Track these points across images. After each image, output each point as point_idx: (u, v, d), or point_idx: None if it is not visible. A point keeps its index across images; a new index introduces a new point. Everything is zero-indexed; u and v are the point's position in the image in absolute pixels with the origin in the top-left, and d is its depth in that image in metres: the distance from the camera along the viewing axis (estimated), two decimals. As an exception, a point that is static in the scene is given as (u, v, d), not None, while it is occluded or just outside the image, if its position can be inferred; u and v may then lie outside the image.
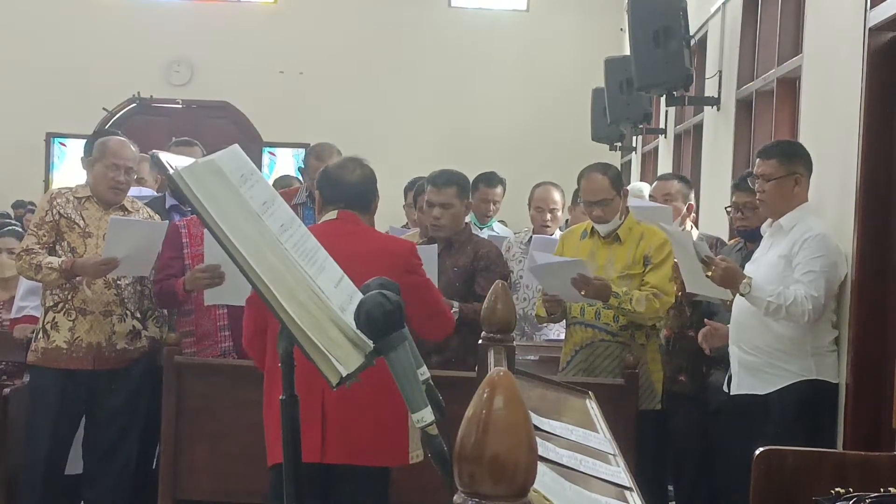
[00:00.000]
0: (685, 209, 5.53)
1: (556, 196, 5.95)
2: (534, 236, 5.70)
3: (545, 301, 4.69)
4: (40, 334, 4.76)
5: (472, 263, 4.74)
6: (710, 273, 4.08)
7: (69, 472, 4.94)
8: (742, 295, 4.08)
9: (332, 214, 3.59)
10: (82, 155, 5.23)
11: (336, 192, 3.63)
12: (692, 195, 5.72)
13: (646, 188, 6.89)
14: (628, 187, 5.01)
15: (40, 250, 4.69)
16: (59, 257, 4.69)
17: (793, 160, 4.22)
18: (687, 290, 4.57)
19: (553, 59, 12.89)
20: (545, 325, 5.50)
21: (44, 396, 4.75)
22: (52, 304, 4.76)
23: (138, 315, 4.85)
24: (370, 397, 3.20)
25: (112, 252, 4.56)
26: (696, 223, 5.93)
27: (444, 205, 4.70)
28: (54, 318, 4.74)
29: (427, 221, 4.80)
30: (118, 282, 4.77)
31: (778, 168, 4.18)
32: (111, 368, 4.77)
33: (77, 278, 4.68)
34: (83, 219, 4.78)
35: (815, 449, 3.40)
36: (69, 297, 4.73)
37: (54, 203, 4.77)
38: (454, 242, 4.76)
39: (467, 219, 4.97)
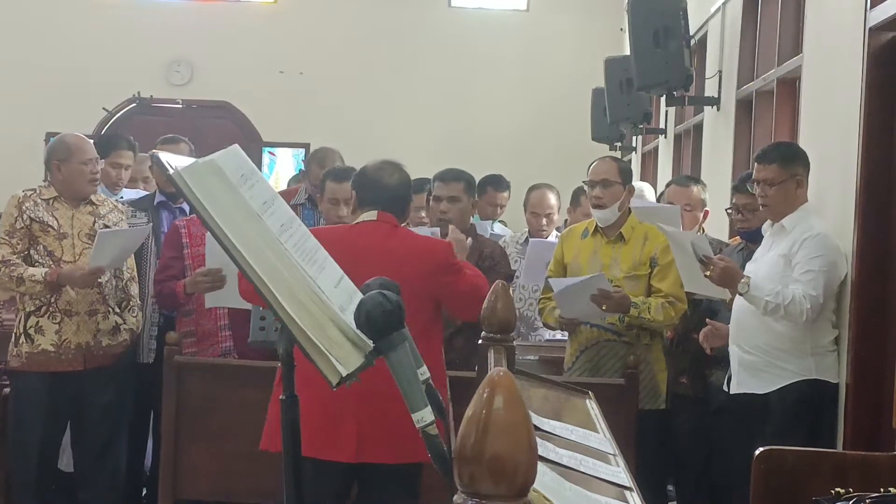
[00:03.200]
0: (702, 216, 5.35)
1: (552, 199, 5.93)
2: (531, 239, 5.68)
3: (563, 325, 4.67)
4: (22, 339, 4.66)
5: (476, 264, 4.73)
6: (708, 272, 4.08)
7: (66, 468, 4.94)
8: (740, 294, 4.08)
9: (372, 215, 3.64)
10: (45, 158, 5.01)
11: (374, 195, 3.67)
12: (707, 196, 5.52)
13: (647, 188, 6.85)
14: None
15: (17, 260, 4.60)
16: (38, 264, 4.62)
17: (793, 162, 4.23)
18: (685, 290, 4.57)
19: (553, 59, 12.87)
20: (542, 326, 5.48)
21: (32, 401, 4.69)
22: (33, 308, 4.66)
23: (117, 309, 4.82)
24: (395, 392, 3.22)
25: (98, 262, 4.55)
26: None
27: (451, 198, 4.72)
28: (38, 322, 4.65)
29: (434, 215, 4.82)
30: (99, 279, 4.74)
31: (779, 172, 4.18)
32: (98, 367, 4.74)
33: None
34: (56, 220, 4.71)
35: (815, 449, 3.41)
36: (53, 300, 4.65)
37: (23, 208, 4.66)
38: None
39: (471, 220, 4.98)
